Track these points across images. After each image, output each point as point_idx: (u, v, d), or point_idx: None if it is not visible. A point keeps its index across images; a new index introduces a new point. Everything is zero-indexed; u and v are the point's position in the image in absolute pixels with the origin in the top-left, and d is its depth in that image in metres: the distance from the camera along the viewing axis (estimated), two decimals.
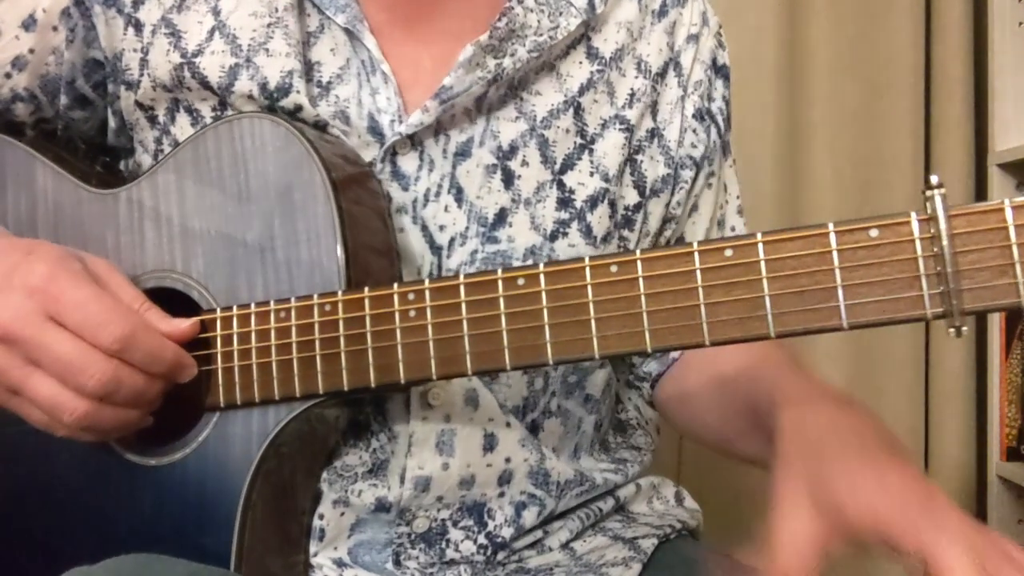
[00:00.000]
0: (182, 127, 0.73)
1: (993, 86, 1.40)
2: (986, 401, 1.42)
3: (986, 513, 1.41)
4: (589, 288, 0.55)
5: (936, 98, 1.50)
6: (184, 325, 0.66)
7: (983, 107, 1.46)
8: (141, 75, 0.74)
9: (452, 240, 0.72)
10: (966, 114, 1.47)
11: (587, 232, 0.75)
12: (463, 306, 0.59)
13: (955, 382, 1.47)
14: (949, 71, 1.48)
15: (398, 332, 0.61)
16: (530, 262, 0.73)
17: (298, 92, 0.70)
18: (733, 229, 0.87)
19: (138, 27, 0.74)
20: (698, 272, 0.52)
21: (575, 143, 0.75)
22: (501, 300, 0.58)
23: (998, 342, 1.39)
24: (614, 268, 0.55)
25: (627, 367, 0.88)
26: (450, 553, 0.72)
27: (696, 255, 0.53)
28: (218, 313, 0.67)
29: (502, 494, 0.74)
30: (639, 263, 0.54)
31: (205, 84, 0.72)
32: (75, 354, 0.61)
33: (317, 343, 0.63)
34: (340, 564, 0.71)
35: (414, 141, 0.72)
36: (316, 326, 0.63)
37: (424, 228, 0.72)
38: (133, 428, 0.66)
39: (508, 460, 0.73)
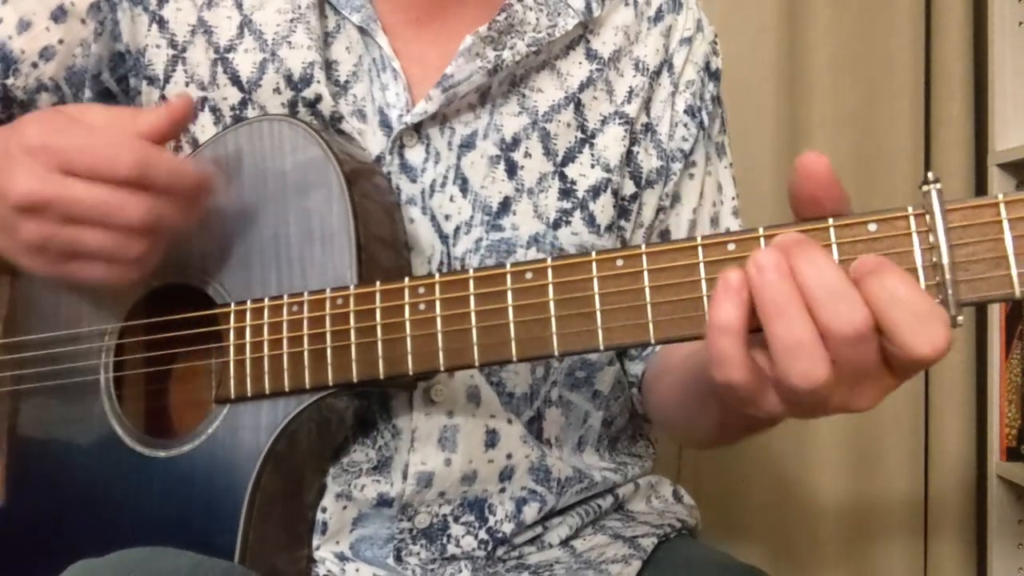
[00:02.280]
0: (203, 125, 0.75)
1: (993, 86, 1.40)
2: (986, 401, 1.42)
3: (986, 513, 1.41)
4: (595, 281, 0.56)
5: (936, 98, 1.50)
6: (178, 103, 0.66)
7: (983, 107, 1.46)
8: (172, 71, 0.76)
9: (458, 228, 0.74)
10: (966, 114, 1.47)
11: (590, 220, 0.77)
12: (472, 299, 0.60)
13: (955, 382, 1.47)
14: (949, 71, 1.48)
15: (407, 325, 0.62)
16: (533, 249, 0.75)
17: (319, 83, 0.72)
18: (728, 231, 0.87)
19: (162, 24, 0.76)
20: (701, 265, 0.53)
21: (576, 137, 0.78)
22: (509, 293, 0.59)
23: (998, 342, 1.39)
24: (620, 262, 0.55)
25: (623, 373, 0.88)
26: (451, 548, 0.73)
27: (700, 249, 0.53)
28: (232, 307, 0.68)
29: (503, 490, 0.74)
30: (644, 257, 0.55)
31: (235, 80, 0.74)
32: (107, 195, 0.60)
33: (328, 335, 0.64)
34: (342, 558, 0.72)
35: (420, 133, 0.74)
36: (328, 319, 0.64)
37: (432, 218, 0.74)
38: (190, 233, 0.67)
39: (510, 456, 0.74)
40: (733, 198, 0.89)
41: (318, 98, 0.72)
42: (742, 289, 0.49)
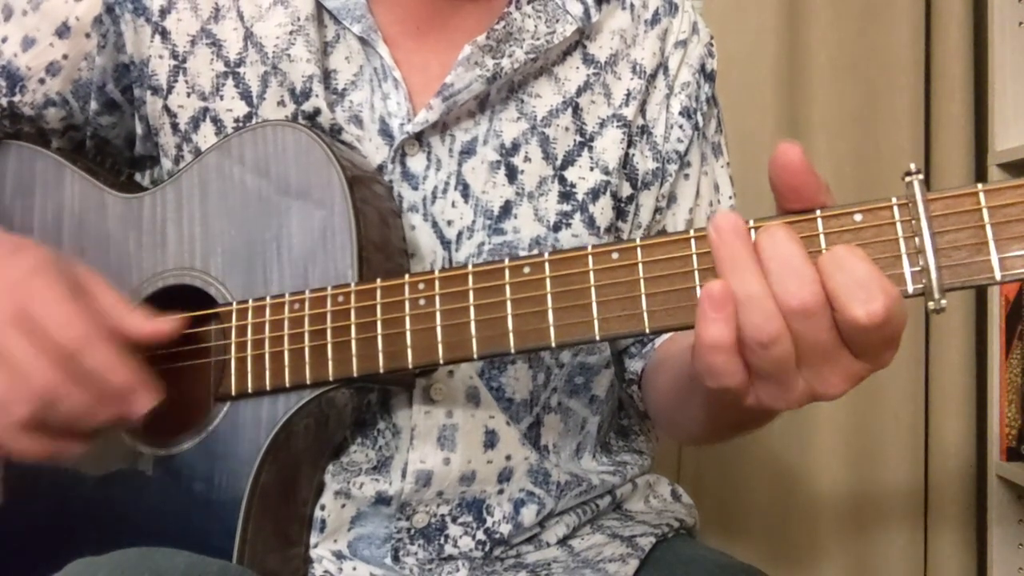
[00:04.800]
0: (205, 135, 0.76)
1: (993, 86, 1.40)
2: (986, 401, 1.42)
3: (986, 513, 1.41)
4: (591, 274, 0.57)
5: (936, 98, 1.50)
6: (165, 326, 0.66)
7: (983, 107, 1.46)
8: (174, 81, 0.77)
9: (460, 234, 0.75)
10: (966, 114, 1.47)
11: (590, 223, 0.77)
12: (470, 294, 0.61)
13: (955, 382, 1.47)
14: (949, 71, 1.48)
15: (407, 320, 0.63)
16: (535, 252, 0.75)
17: (317, 96, 0.73)
18: None
19: (164, 35, 0.77)
20: (694, 257, 0.54)
21: (575, 141, 0.78)
22: (507, 287, 0.60)
23: (998, 342, 1.38)
24: (615, 255, 0.56)
25: (623, 371, 0.89)
26: (448, 549, 0.73)
27: (692, 241, 0.54)
28: (234, 305, 0.69)
29: (501, 491, 0.75)
30: (639, 250, 0.56)
31: (246, 95, 0.75)
32: (30, 355, 0.60)
33: (329, 332, 0.65)
34: (340, 556, 0.72)
35: (422, 142, 0.75)
36: (329, 315, 0.65)
37: (434, 224, 0.75)
38: (66, 452, 0.64)
39: (508, 457, 0.75)
40: (730, 197, 0.89)
41: (316, 111, 0.73)
42: (726, 302, 0.50)
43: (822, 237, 0.51)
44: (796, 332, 0.50)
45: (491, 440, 0.74)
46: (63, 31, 0.78)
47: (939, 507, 1.48)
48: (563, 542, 0.78)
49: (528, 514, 0.75)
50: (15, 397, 0.60)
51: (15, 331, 0.60)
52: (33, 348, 0.60)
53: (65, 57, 0.78)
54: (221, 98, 0.76)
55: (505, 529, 0.74)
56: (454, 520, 0.74)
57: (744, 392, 0.52)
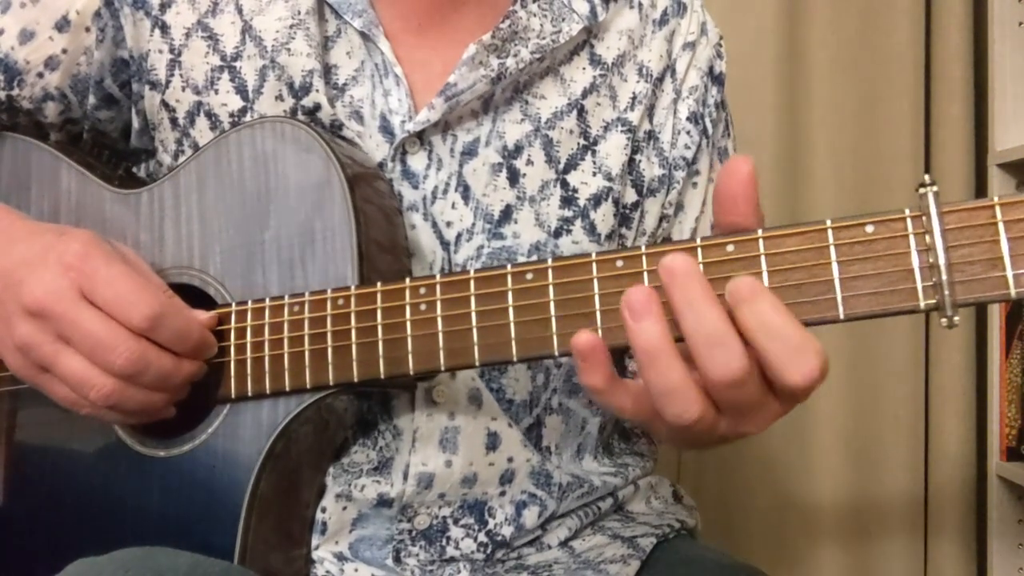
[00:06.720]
0: (201, 130, 0.75)
1: (993, 86, 1.40)
2: (986, 401, 1.42)
3: (986, 513, 1.41)
4: (595, 282, 0.56)
5: (936, 98, 1.50)
6: (204, 317, 0.67)
7: (983, 107, 1.46)
8: (171, 76, 0.76)
9: (459, 236, 0.74)
10: (966, 114, 1.47)
11: (591, 229, 0.77)
12: (472, 299, 0.60)
13: (955, 382, 1.47)
14: (949, 71, 1.48)
15: (408, 325, 0.62)
16: (535, 258, 0.75)
17: (317, 91, 0.72)
18: None
19: (164, 29, 0.76)
20: (700, 267, 0.53)
21: (579, 144, 0.77)
22: (509, 294, 0.59)
23: (998, 342, 1.39)
24: (620, 263, 0.56)
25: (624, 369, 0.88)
26: (450, 551, 0.73)
27: (699, 250, 0.54)
28: (233, 307, 0.68)
29: (503, 493, 0.74)
30: (644, 258, 0.55)
31: (241, 89, 0.74)
32: (104, 332, 0.62)
33: (329, 335, 0.64)
34: (341, 558, 0.72)
35: (423, 140, 0.74)
36: (329, 319, 0.64)
37: (434, 225, 0.74)
38: (158, 414, 0.67)
39: (510, 460, 0.74)
40: None
41: (317, 107, 0.73)
42: (651, 303, 0.51)
43: (832, 248, 0.50)
44: (725, 398, 0.50)
45: (493, 442, 0.74)
46: (63, 25, 0.77)
47: (939, 507, 1.48)
48: (564, 544, 0.78)
49: (530, 516, 0.75)
50: (102, 368, 0.62)
51: (89, 310, 0.62)
52: (111, 324, 0.62)
53: (64, 51, 0.78)
54: (216, 92, 0.75)
55: (507, 531, 0.74)
56: (456, 522, 0.73)
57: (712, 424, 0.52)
